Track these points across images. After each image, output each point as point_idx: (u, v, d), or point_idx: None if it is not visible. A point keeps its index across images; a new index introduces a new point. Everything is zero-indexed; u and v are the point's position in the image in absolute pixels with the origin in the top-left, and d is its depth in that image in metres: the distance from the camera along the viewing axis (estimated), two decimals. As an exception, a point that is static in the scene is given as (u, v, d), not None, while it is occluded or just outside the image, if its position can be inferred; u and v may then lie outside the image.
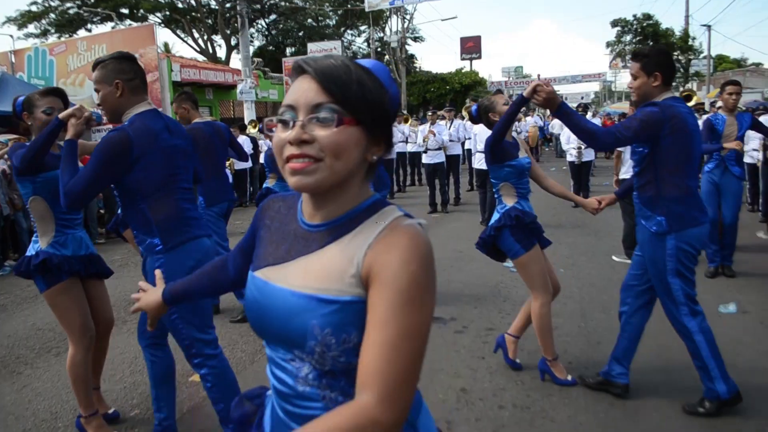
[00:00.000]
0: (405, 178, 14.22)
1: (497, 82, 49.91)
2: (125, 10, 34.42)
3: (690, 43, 27.13)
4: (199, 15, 35.79)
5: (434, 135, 10.08)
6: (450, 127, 11.10)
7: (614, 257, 6.70)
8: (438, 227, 9.11)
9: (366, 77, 1.05)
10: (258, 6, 36.93)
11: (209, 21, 36.79)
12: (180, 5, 36.85)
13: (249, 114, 19.66)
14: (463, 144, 11.75)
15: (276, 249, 1.17)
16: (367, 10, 18.43)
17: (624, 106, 28.74)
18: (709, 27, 29.74)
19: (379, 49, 42.31)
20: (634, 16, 26.65)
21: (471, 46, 50.04)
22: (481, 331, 4.63)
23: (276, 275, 1.13)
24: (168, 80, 21.58)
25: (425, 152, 10.24)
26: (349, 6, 36.88)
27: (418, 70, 45.86)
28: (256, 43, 41.18)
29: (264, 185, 6.00)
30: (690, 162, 3.01)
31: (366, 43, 43.02)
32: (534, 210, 3.71)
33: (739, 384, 3.17)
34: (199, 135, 4.98)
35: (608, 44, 27.97)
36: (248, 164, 12.32)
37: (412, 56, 47.64)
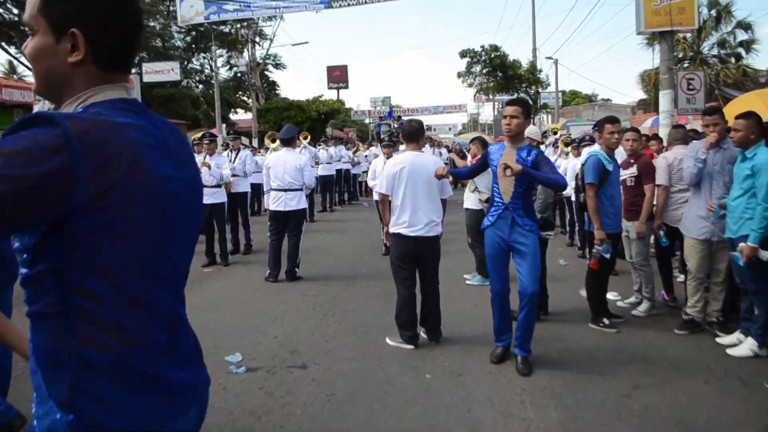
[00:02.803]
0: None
1: (361, 110, 49.44)
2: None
3: (537, 75, 27.16)
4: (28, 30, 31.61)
5: (209, 168, 7.94)
6: (235, 159, 9.01)
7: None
8: (193, 290, 6.91)
9: None
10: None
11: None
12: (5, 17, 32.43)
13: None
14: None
15: None
16: (180, 23, 16.17)
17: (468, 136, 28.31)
18: (556, 61, 30.26)
19: (239, 75, 40.12)
20: (482, 47, 26.25)
21: (338, 75, 49.48)
22: None
23: None
24: (-50, 98, 17.95)
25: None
26: (201, 29, 34.37)
27: (278, 97, 44.04)
28: (97, 63, 37.41)
29: None
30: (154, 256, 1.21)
31: (228, 67, 40.77)
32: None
33: None
34: None
35: (459, 74, 27.35)
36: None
37: (273, 83, 45.99)
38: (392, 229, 4.73)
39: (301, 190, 7.19)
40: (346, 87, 48.89)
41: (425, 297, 4.85)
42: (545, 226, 5.29)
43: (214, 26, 36.05)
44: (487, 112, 75.95)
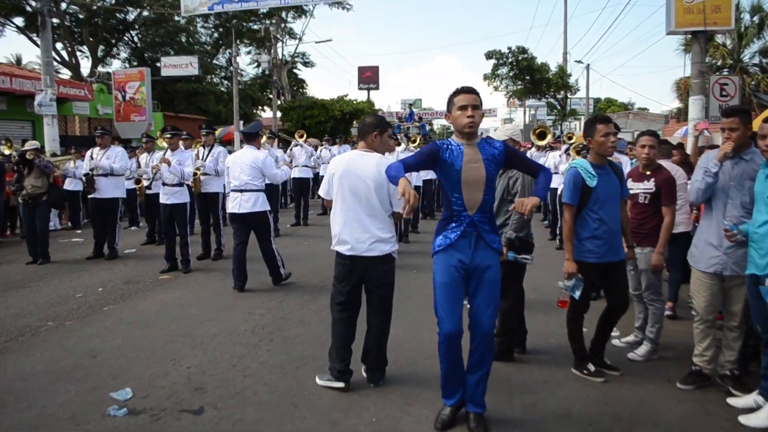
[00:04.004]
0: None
1: (389, 112, 48.80)
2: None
3: (566, 80, 25.90)
4: (60, 22, 31.74)
5: (168, 165, 7.19)
6: (207, 156, 8.23)
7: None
8: (133, 301, 6.15)
9: None
10: (122, 16, 33.56)
11: (77, 30, 33.02)
12: (30, 9, 32.58)
13: (49, 131, 16.26)
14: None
15: None
16: (183, 15, 15.57)
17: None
18: (587, 66, 28.97)
19: (266, 72, 39.91)
20: (509, 48, 25.04)
21: (369, 76, 49.04)
22: None
23: None
24: None
25: (149, 188, 7.37)
26: (228, 25, 34.13)
27: (305, 95, 43.70)
28: (123, 56, 37.49)
29: None
30: None
31: (255, 64, 40.50)
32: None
33: None
34: None
35: (485, 77, 26.24)
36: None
37: (301, 81, 45.82)
38: (332, 245, 3.86)
39: (260, 191, 6.39)
40: (377, 88, 48.39)
41: (369, 329, 3.94)
42: (522, 248, 4.36)
43: (243, 23, 35.78)
44: (520, 117, 75.23)
